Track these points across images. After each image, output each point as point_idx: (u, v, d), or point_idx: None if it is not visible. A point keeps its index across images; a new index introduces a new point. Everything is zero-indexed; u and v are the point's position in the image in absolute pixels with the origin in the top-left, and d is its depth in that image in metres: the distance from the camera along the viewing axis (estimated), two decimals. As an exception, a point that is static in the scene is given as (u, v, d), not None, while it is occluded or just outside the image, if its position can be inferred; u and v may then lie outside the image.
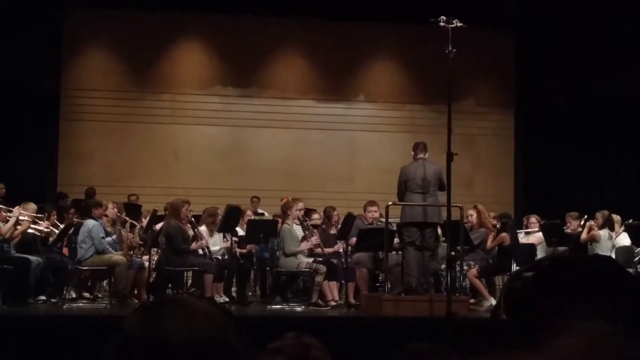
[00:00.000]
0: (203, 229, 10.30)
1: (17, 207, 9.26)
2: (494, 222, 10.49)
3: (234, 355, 1.29)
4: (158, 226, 10.24)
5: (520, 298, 1.33)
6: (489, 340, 1.32)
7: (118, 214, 10.51)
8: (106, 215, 10.14)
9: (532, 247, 10.84)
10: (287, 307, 9.77)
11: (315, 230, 10.42)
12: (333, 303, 9.65)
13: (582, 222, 11.02)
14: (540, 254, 10.78)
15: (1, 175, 11.41)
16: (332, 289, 9.76)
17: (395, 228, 9.60)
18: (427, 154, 9.22)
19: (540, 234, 10.94)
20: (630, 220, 10.83)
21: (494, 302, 9.57)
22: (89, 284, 10.44)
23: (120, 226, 10.49)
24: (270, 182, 14.92)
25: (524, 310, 1.32)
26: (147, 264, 9.94)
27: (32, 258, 9.13)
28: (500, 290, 9.88)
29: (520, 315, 1.33)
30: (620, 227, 10.98)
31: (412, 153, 9.30)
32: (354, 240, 10.07)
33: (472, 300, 9.73)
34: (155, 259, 10.19)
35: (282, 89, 15.73)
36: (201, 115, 15.38)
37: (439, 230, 10.23)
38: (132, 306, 8.88)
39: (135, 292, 9.68)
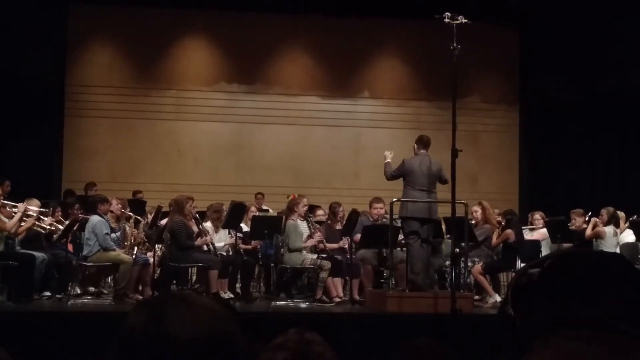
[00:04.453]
0: (208, 225, 10.31)
1: (21, 203, 9.27)
2: (499, 218, 10.48)
3: (237, 351, 1.29)
4: (163, 222, 10.25)
5: (526, 295, 1.33)
6: (495, 337, 1.31)
7: (122, 210, 10.52)
8: (112, 212, 10.17)
9: (536, 244, 10.84)
10: (291, 304, 9.76)
11: (319, 227, 10.42)
12: (337, 299, 9.65)
13: (586, 219, 11.00)
14: (544, 250, 10.78)
15: (6, 171, 11.42)
16: (336, 286, 9.76)
17: (399, 224, 9.57)
18: (429, 149, 9.14)
19: (545, 230, 10.92)
20: (635, 217, 10.81)
21: (498, 298, 9.57)
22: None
23: (125, 222, 10.50)
24: (274, 178, 14.93)
25: (528, 307, 1.32)
26: (151, 260, 9.95)
27: (37, 254, 9.15)
28: (507, 286, 9.89)
29: (525, 312, 1.32)
30: (625, 224, 10.95)
31: (415, 146, 9.17)
32: (358, 236, 10.07)
33: (476, 297, 9.72)
34: (160, 255, 10.21)
35: (287, 85, 15.73)
36: (206, 112, 15.39)
37: (443, 227, 10.24)
38: (134, 303, 8.89)
39: (140, 288, 9.68)
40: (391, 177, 9.12)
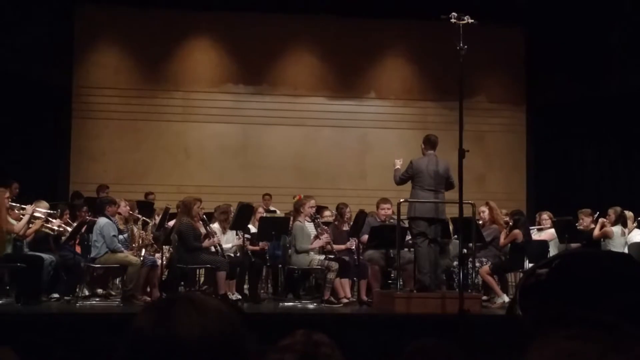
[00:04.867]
0: (216, 226, 10.31)
1: (30, 205, 9.30)
2: (506, 218, 10.46)
3: (244, 352, 1.29)
4: (171, 224, 10.26)
5: (534, 294, 1.33)
6: (503, 337, 1.31)
7: (130, 212, 10.54)
8: (119, 213, 10.18)
9: (544, 244, 10.81)
10: (299, 305, 9.76)
11: (327, 228, 10.41)
12: (345, 300, 9.64)
13: (594, 219, 10.97)
14: (552, 250, 10.75)
15: (13, 173, 11.45)
16: (344, 286, 9.76)
17: (407, 225, 9.56)
18: (436, 149, 9.12)
19: (553, 230, 10.90)
20: (643, 217, 10.79)
21: (506, 299, 9.55)
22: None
23: (133, 224, 10.51)
24: (281, 179, 14.93)
25: (536, 306, 1.32)
26: (159, 261, 9.97)
27: (45, 256, 9.16)
28: (515, 287, 9.87)
29: (533, 311, 1.32)
30: (632, 224, 10.92)
31: (422, 146, 9.16)
32: (365, 237, 10.07)
33: (484, 298, 9.70)
34: (168, 256, 10.22)
35: (293, 86, 15.74)
36: (213, 113, 15.41)
37: (451, 227, 10.23)
38: (142, 305, 8.89)
39: (148, 289, 9.69)
40: (400, 181, 9.09)
